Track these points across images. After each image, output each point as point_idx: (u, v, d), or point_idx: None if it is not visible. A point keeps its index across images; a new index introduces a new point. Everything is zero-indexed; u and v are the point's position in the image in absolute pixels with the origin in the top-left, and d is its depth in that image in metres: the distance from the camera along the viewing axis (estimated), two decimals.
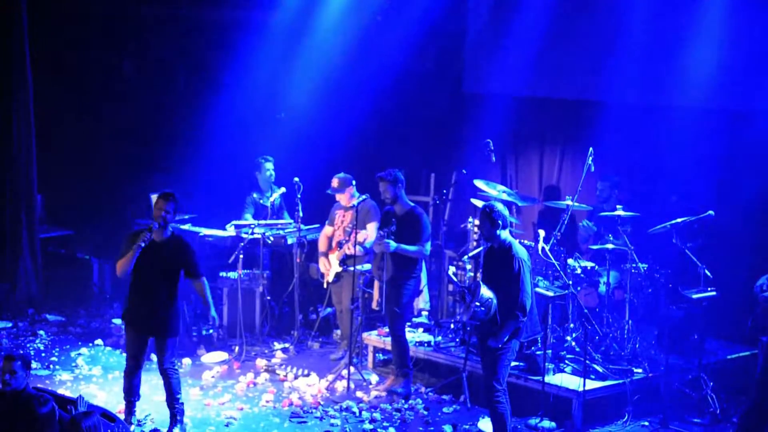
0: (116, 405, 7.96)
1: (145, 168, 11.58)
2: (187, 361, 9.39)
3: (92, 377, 9.03)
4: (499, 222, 7.23)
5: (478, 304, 7.17)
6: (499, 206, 7.33)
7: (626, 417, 8.16)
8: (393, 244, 8.46)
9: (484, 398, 8.20)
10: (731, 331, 9.39)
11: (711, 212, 8.64)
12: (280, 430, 7.96)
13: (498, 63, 11.40)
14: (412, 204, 8.72)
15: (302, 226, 9.90)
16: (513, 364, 7.69)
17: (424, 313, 10.03)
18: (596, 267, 9.05)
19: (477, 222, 9.11)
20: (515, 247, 7.26)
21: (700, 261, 8.50)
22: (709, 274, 8.45)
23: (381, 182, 8.63)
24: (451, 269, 9.04)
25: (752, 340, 9.11)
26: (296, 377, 9.11)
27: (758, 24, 9.19)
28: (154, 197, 10.64)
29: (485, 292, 7.19)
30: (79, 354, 9.60)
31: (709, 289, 8.38)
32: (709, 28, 9.52)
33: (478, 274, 7.70)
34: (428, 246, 8.69)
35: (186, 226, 10.23)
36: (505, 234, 7.29)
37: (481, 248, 9.15)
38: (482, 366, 7.47)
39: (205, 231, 10.19)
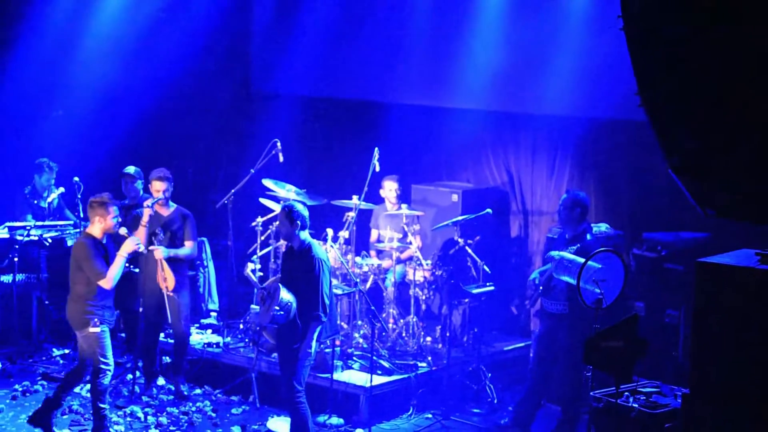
0: None
1: None
2: None
3: None
4: (298, 222, 7.14)
5: (277, 308, 7.00)
6: (299, 207, 7.24)
7: (411, 410, 8.39)
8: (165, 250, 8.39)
9: (274, 398, 8.22)
10: (507, 324, 9.89)
11: (489, 210, 9.04)
12: None
13: (285, 63, 11.44)
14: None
15: (83, 227, 9.50)
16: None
17: (213, 314, 9.90)
18: (382, 264, 9.26)
19: (261, 221, 9.10)
20: (314, 248, 7.17)
21: (480, 257, 8.89)
22: (487, 269, 8.86)
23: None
24: (249, 266, 8.95)
25: (526, 331, 9.67)
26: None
27: (530, 31, 9.71)
28: None
29: (285, 295, 7.03)
30: None
31: (487, 284, 8.77)
32: (487, 34, 9.95)
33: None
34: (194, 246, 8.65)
35: None
36: (304, 235, 7.21)
37: (271, 247, 9.19)
38: (281, 368, 7.35)
39: None
